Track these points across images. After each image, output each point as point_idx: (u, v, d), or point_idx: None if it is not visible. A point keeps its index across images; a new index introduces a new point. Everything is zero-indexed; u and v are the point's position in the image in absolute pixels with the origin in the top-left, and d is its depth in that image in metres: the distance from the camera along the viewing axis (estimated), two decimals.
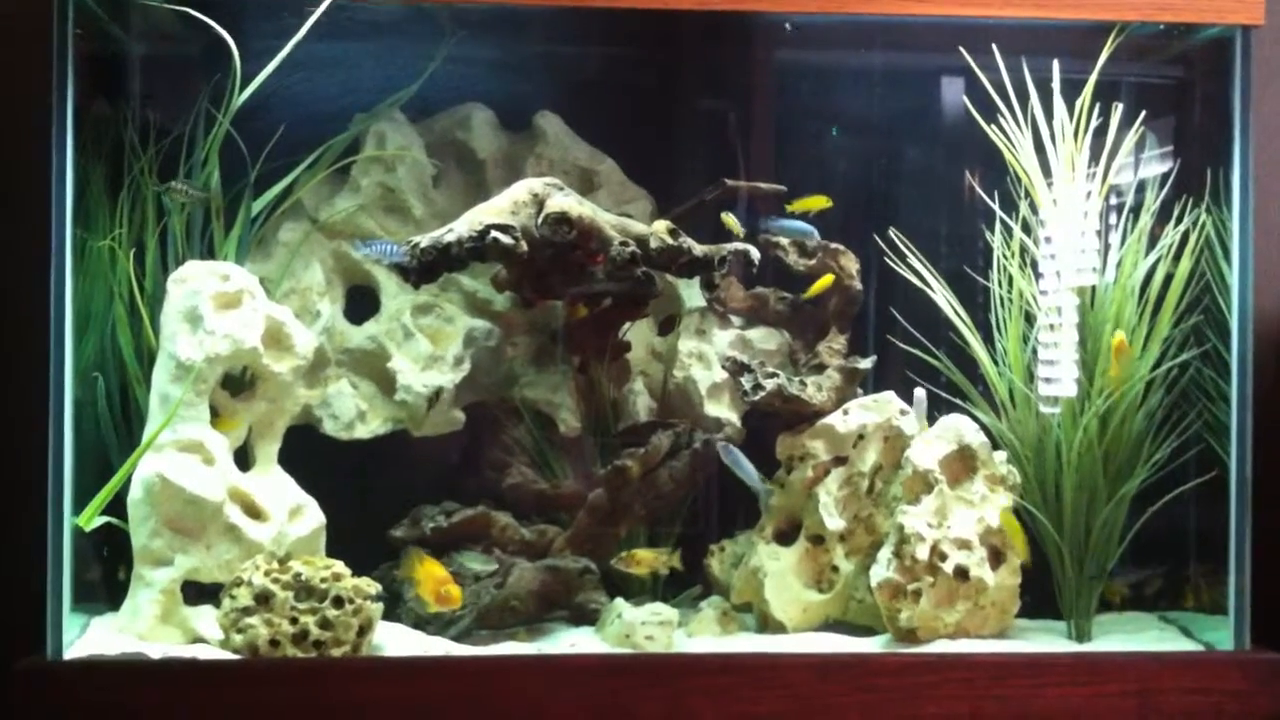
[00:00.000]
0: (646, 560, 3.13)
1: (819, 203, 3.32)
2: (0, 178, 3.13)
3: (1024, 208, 3.15)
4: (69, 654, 2.71)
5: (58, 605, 2.72)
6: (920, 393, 3.15)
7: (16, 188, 3.06)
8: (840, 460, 3.21)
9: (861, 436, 3.21)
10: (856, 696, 2.76)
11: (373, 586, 2.81)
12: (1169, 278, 3.12)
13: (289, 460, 3.07)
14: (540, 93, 3.47)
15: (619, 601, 3.05)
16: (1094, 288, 3.09)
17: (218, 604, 2.81)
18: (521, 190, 3.09)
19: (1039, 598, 3.15)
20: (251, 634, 2.72)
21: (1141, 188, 3.24)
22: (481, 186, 3.41)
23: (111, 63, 3.20)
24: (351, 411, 3.26)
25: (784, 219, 3.30)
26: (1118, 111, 3.09)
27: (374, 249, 3.05)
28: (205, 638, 2.84)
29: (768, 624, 3.16)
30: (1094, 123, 3.05)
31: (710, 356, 3.39)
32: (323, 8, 2.94)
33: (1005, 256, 3.18)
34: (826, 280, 3.31)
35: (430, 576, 2.94)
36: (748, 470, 3.14)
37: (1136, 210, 3.17)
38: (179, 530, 2.85)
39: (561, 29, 3.40)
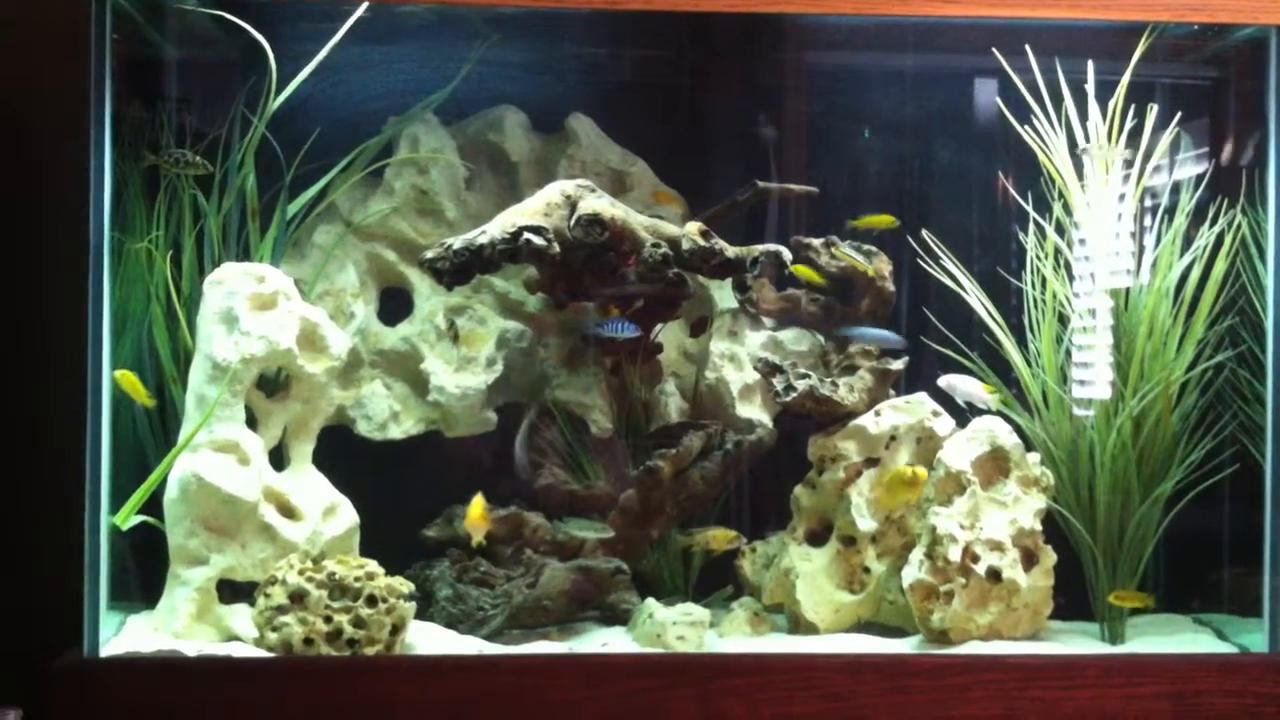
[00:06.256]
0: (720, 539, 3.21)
1: (884, 221, 3.32)
2: (39, 181, 3.17)
3: (1058, 209, 3.14)
4: (105, 651, 2.74)
5: (95, 603, 2.74)
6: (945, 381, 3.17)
7: (55, 191, 3.10)
8: (872, 461, 3.21)
9: (894, 438, 3.20)
10: (889, 698, 2.76)
11: (406, 586, 2.82)
12: (1204, 279, 3.10)
13: (323, 460, 3.09)
14: (572, 95, 3.48)
15: (650, 602, 3.06)
16: (1128, 290, 3.08)
17: (252, 602, 2.83)
18: (554, 192, 3.11)
19: (1072, 599, 3.14)
20: (286, 632, 2.74)
21: (1176, 189, 3.23)
22: (514, 188, 3.43)
23: (148, 66, 3.23)
24: (385, 412, 3.28)
25: (864, 327, 3.28)
26: (1152, 113, 3.08)
27: (605, 328, 3.16)
28: (240, 636, 2.86)
29: (799, 625, 3.16)
30: (1129, 124, 3.04)
31: (742, 358, 3.39)
32: (359, 11, 2.96)
33: (1039, 258, 3.17)
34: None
35: (472, 507, 2.98)
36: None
37: (1171, 212, 3.16)
38: (214, 529, 2.87)
39: (593, 31, 3.41)
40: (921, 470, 3.07)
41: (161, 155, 3.03)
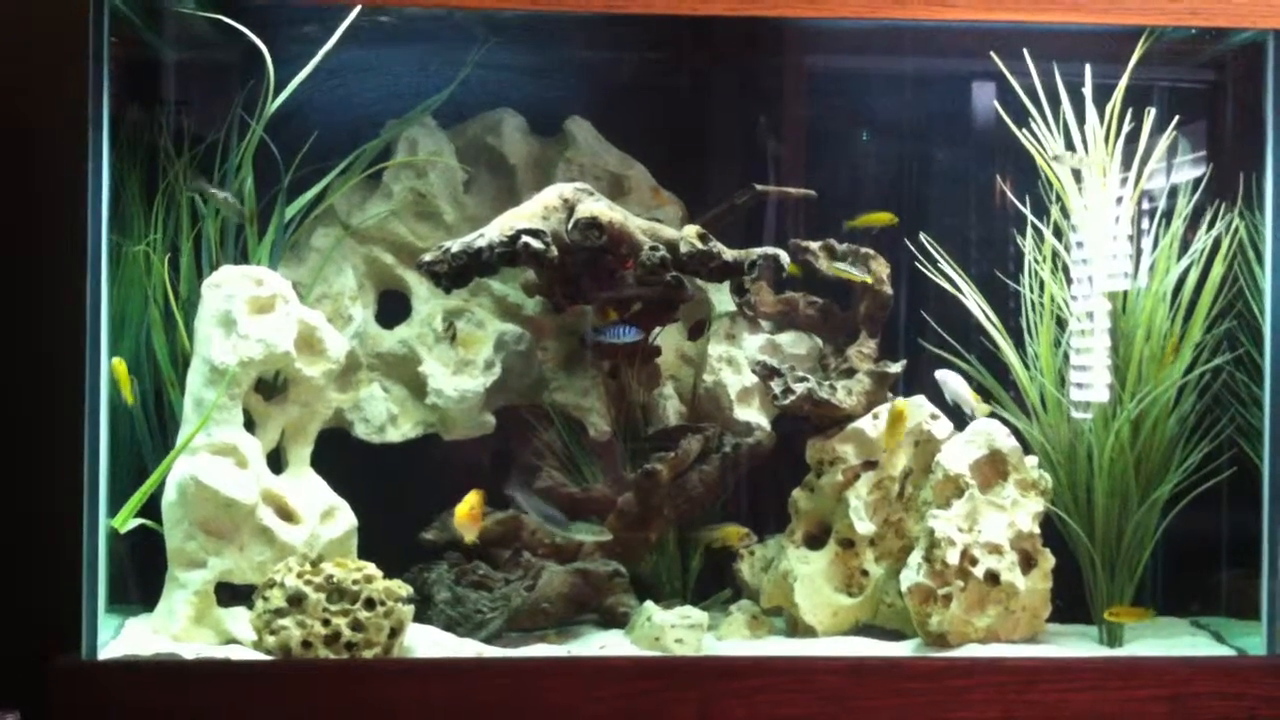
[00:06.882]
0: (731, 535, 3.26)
1: (882, 219, 3.32)
2: (37, 183, 3.17)
3: (1055, 212, 3.14)
4: (104, 654, 2.74)
5: (93, 606, 2.74)
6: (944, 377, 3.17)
7: (53, 193, 3.10)
8: (870, 464, 3.21)
9: None
10: (887, 700, 2.76)
11: (404, 589, 2.82)
12: (1201, 283, 3.10)
13: (321, 463, 3.08)
14: (570, 98, 3.48)
15: (649, 604, 3.06)
16: (1126, 293, 3.08)
17: (251, 605, 2.83)
18: (552, 195, 3.11)
19: (1070, 602, 3.14)
20: (284, 635, 2.73)
21: (1174, 192, 3.23)
22: (512, 192, 3.43)
23: (147, 69, 3.23)
24: (383, 415, 3.28)
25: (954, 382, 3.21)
26: (1150, 116, 3.08)
27: (605, 334, 3.16)
28: (238, 639, 2.86)
29: (798, 628, 3.16)
30: (1126, 128, 3.05)
31: (740, 361, 3.39)
32: (353, 13, 2.96)
33: (1037, 261, 3.17)
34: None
35: (461, 506, 3.00)
36: None
37: (1169, 215, 3.16)
38: (213, 532, 2.87)
39: (591, 35, 3.41)
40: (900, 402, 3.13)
41: (192, 185, 3.04)
